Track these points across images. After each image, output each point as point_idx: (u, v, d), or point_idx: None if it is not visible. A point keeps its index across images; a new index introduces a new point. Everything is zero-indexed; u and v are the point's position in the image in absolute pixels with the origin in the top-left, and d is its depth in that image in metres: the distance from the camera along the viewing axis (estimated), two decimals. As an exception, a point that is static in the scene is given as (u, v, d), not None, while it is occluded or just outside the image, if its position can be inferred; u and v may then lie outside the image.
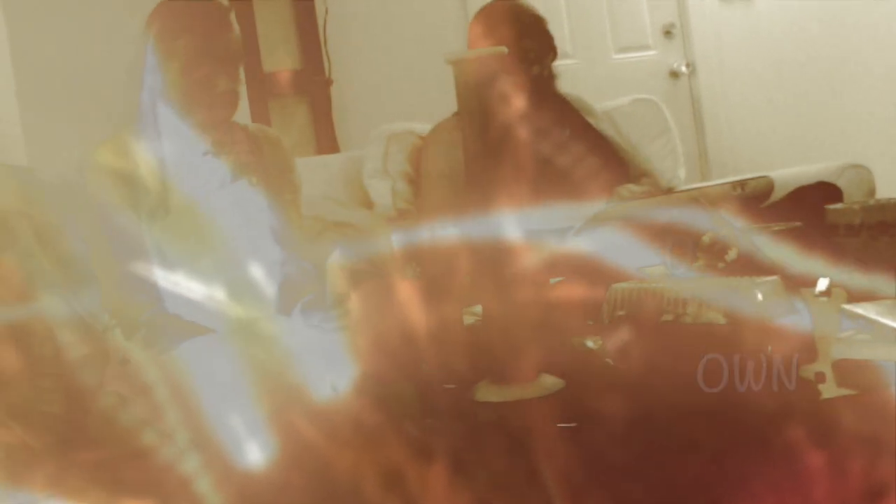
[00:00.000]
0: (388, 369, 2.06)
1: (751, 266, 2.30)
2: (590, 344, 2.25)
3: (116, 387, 2.50)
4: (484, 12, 3.75)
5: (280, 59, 4.72)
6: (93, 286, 2.30)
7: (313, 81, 4.86)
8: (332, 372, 2.10)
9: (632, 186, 3.66)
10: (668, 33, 5.62)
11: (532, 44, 3.66)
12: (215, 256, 2.65)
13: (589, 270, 2.15)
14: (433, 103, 3.64)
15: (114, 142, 2.69)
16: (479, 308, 2.36)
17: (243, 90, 2.78)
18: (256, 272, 2.57)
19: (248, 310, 2.61)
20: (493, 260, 2.10)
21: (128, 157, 2.66)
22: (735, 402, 1.76)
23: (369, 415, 1.93)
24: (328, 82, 4.88)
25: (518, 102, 3.56)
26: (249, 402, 1.99)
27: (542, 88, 3.67)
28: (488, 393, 2.17)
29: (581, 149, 3.65)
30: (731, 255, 2.36)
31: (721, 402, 1.77)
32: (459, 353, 2.10)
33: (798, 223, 2.51)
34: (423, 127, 3.94)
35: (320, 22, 4.91)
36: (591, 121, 3.82)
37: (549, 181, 3.50)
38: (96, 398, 2.13)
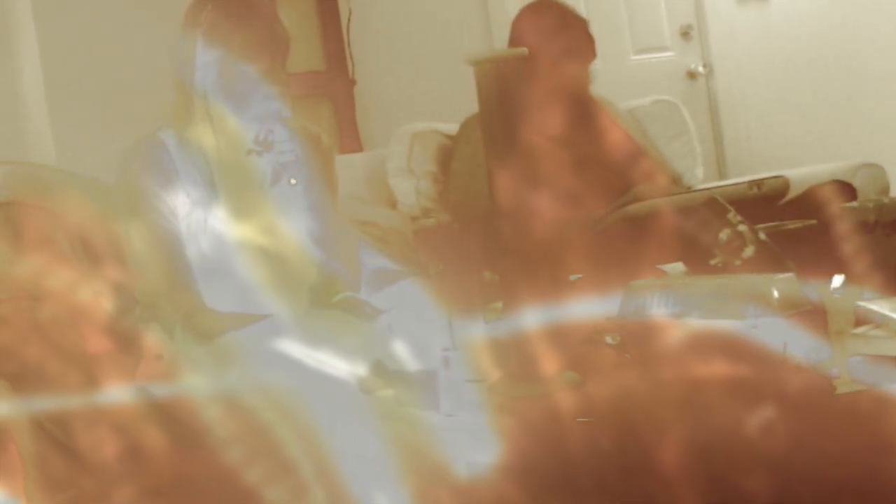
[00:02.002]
0: (533, 446, 2.03)
1: (767, 263, 2.32)
2: (609, 340, 2.28)
3: (147, 382, 2.54)
4: (527, 11, 3.72)
5: (304, 60, 4.73)
6: (240, 363, 2.31)
7: (337, 82, 4.88)
8: (475, 449, 2.07)
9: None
10: (685, 34, 5.63)
11: (573, 46, 3.65)
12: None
13: (736, 349, 2.12)
14: (455, 104, 3.64)
15: (154, 138, 2.65)
16: (500, 304, 2.38)
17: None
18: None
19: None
20: (638, 337, 2.10)
21: (168, 154, 2.62)
22: (884, 480, 1.74)
23: (514, 493, 1.91)
24: (352, 83, 4.90)
25: (546, 104, 3.58)
26: (394, 481, 1.97)
27: (578, 90, 3.67)
28: (507, 389, 2.20)
29: (611, 153, 3.65)
30: (748, 252, 2.38)
31: (869, 480, 1.74)
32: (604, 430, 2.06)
33: (813, 221, 2.53)
34: (447, 126, 3.95)
35: (343, 23, 4.92)
36: (620, 124, 3.83)
37: (576, 183, 3.51)
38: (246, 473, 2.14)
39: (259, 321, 2.50)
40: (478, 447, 2.08)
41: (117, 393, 2.34)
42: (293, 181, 2.72)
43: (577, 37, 3.63)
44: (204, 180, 2.63)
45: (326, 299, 2.66)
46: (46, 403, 2.38)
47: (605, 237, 3.10)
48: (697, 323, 2.13)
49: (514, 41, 3.69)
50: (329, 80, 4.86)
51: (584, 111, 3.69)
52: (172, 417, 2.26)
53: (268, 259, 2.64)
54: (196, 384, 2.29)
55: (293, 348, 2.31)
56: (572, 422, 2.03)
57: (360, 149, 4.83)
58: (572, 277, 2.63)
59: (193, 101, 2.64)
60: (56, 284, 2.50)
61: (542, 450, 2.00)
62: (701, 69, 5.63)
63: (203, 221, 2.60)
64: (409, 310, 2.56)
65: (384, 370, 2.31)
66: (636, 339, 2.09)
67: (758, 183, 2.98)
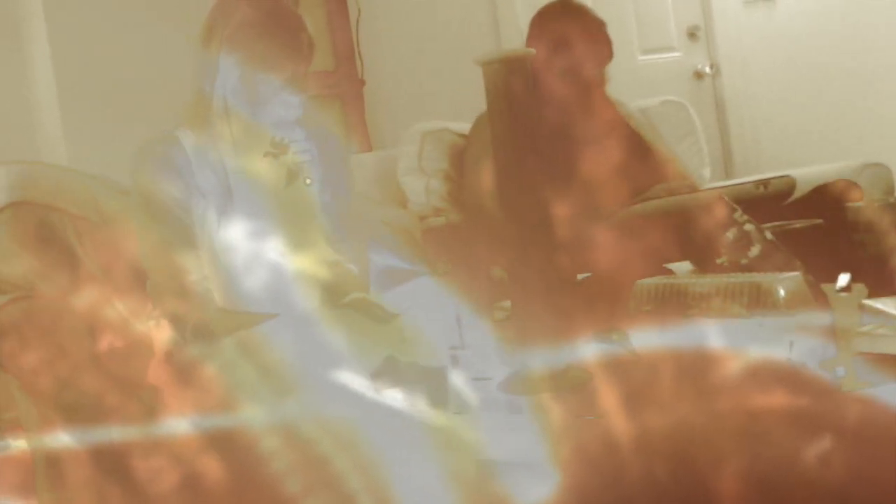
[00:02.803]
0: (590, 479, 2.01)
1: (773, 262, 2.33)
2: (615, 338, 2.29)
3: (159, 381, 2.55)
4: (543, 13, 3.73)
5: (313, 60, 4.74)
6: (297, 394, 2.29)
7: (346, 82, 4.88)
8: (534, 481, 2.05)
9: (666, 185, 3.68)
10: (692, 35, 5.64)
11: (590, 47, 3.66)
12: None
13: (793, 380, 2.09)
14: (464, 104, 3.65)
15: (170, 137, 2.64)
16: (507, 303, 2.40)
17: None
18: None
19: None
20: (695, 369, 2.08)
21: (184, 154, 2.61)
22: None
23: None
24: (361, 83, 4.90)
25: (562, 105, 3.59)
26: None
27: (594, 91, 3.68)
28: (519, 386, 2.21)
29: (624, 152, 3.67)
30: (754, 251, 2.39)
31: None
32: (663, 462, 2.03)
33: (819, 220, 2.53)
34: (459, 125, 3.95)
35: (353, 23, 4.93)
36: (632, 125, 3.84)
37: (589, 181, 3.53)
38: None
39: (270, 320, 2.50)
40: (489, 445, 2.11)
41: (175, 423, 2.35)
42: (308, 181, 2.72)
43: (595, 38, 3.65)
44: (219, 180, 2.62)
45: (338, 299, 2.66)
46: (104, 434, 2.40)
47: (613, 236, 3.11)
48: (754, 354, 2.10)
49: (532, 40, 3.69)
50: (339, 79, 4.86)
51: (599, 111, 3.70)
52: (231, 448, 2.27)
53: (281, 258, 2.63)
54: (254, 414, 2.27)
55: (352, 380, 2.30)
56: (630, 453, 2.00)
57: (369, 148, 4.83)
58: (580, 276, 2.64)
59: (212, 104, 2.63)
60: (114, 315, 2.50)
61: (600, 482, 1.99)
62: (708, 69, 5.65)
63: (217, 221, 2.60)
64: (418, 308, 2.57)
65: (396, 367, 2.33)
66: (693, 370, 2.08)
67: (764, 182, 2.99)
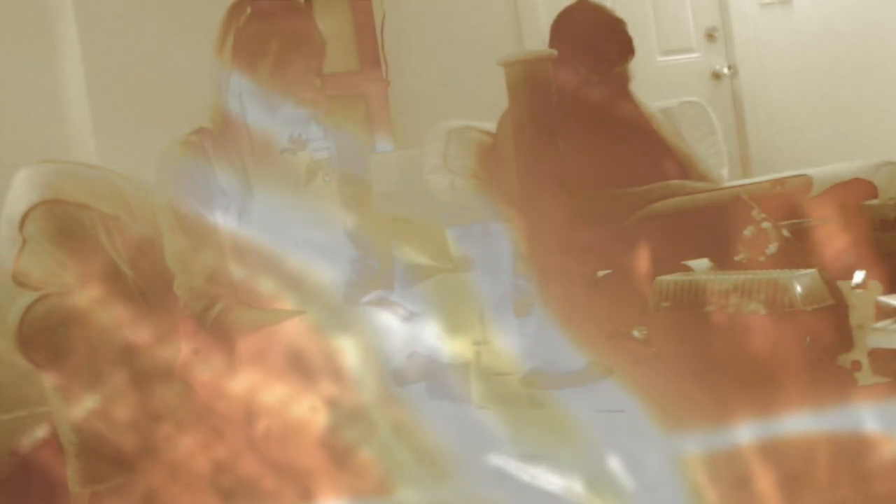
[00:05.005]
0: None
1: (790, 259, 2.35)
2: (636, 334, 2.32)
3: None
4: (564, 15, 3.76)
5: (339, 61, 4.75)
6: (453, 478, 2.25)
7: (371, 82, 4.90)
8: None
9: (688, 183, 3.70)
10: (710, 36, 5.67)
11: (612, 46, 3.71)
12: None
13: None
14: (486, 104, 3.67)
15: (190, 137, 2.69)
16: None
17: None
18: None
19: None
20: (851, 453, 2.01)
21: (204, 153, 2.65)
22: None
23: None
24: (385, 83, 4.93)
25: (584, 104, 3.61)
26: None
27: (618, 89, 3.72)
28: (537, 382, 2.24)
29: (644, 151, 3.69)
30: (772, 248, 2.40)
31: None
32: None
33: (835, 219, 2.54)
34: (484, 123, 3.99)
35: (378, 25, 4.97)
36: (654, 125, 3.87)
37: (611, 179, 3.55)
38: None
39: (293, 316, 2.54)
40: (508, 439, 2.14)
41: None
42: (327, 178, 2.76)
43: (616, 35, 3.69)
44: (239, 178, 2.66)
45: (360, 296, 2.69)
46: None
47: (632, 234, 3.14)
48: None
49: (554, 41, 3.73)
50: (363, 80, 4.87)
51: (623, 108, 3.73)
52: None
53: (302, 256, 2.67)
54: (410, 498, 2.25)
55: (506, 462, 2.21)
56: None
57: (393, 148, 4.86)
58: (600, 274, 2.67)
59: (229, 102, 2.67)
60: (271, 399, 2.50)
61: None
62: (726, 70, 5.67)
63: (239, 219, 2.64)
64: (442, 304, 2.60)
65: (419, 363, 2.36)
66: (850, 454, 2.02)
67: (781, 181, 3.00)
